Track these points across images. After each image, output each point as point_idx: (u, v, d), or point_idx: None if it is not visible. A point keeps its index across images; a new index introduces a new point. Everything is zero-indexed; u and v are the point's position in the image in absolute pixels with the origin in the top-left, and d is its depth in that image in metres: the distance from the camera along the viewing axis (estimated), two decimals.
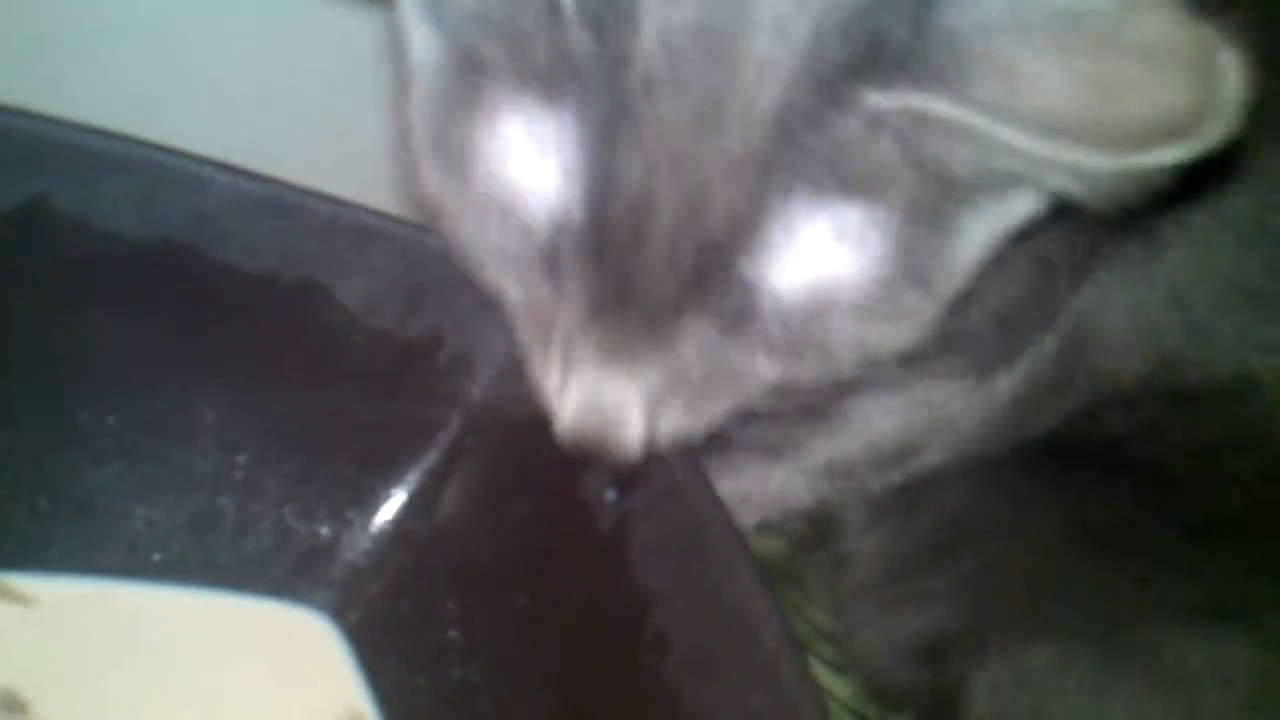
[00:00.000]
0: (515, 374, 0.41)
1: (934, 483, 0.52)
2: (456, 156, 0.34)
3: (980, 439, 0.51)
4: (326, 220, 0.45)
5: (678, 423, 0.37)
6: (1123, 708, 0.47)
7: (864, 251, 0.33)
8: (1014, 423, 0.50)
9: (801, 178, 0.32)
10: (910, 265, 0.34)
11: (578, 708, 0.41)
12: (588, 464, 0.42)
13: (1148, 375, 0.50)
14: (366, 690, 0.46)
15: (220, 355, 0.46)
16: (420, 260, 0.45)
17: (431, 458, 0.48)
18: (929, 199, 0.33)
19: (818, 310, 0.34)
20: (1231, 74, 0.30)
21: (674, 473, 0.41)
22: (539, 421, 0.41)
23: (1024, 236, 0.45)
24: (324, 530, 0.48)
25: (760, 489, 0.51)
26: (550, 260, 0.34)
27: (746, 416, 0.38)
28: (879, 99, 0.31)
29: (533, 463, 0.45)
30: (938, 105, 0.30)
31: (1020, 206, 0.35)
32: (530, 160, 0.33)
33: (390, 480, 0.48)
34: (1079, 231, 0.47)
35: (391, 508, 0.48)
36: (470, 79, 0.33)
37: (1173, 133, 0.29)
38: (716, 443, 0.38)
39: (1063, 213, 0.46)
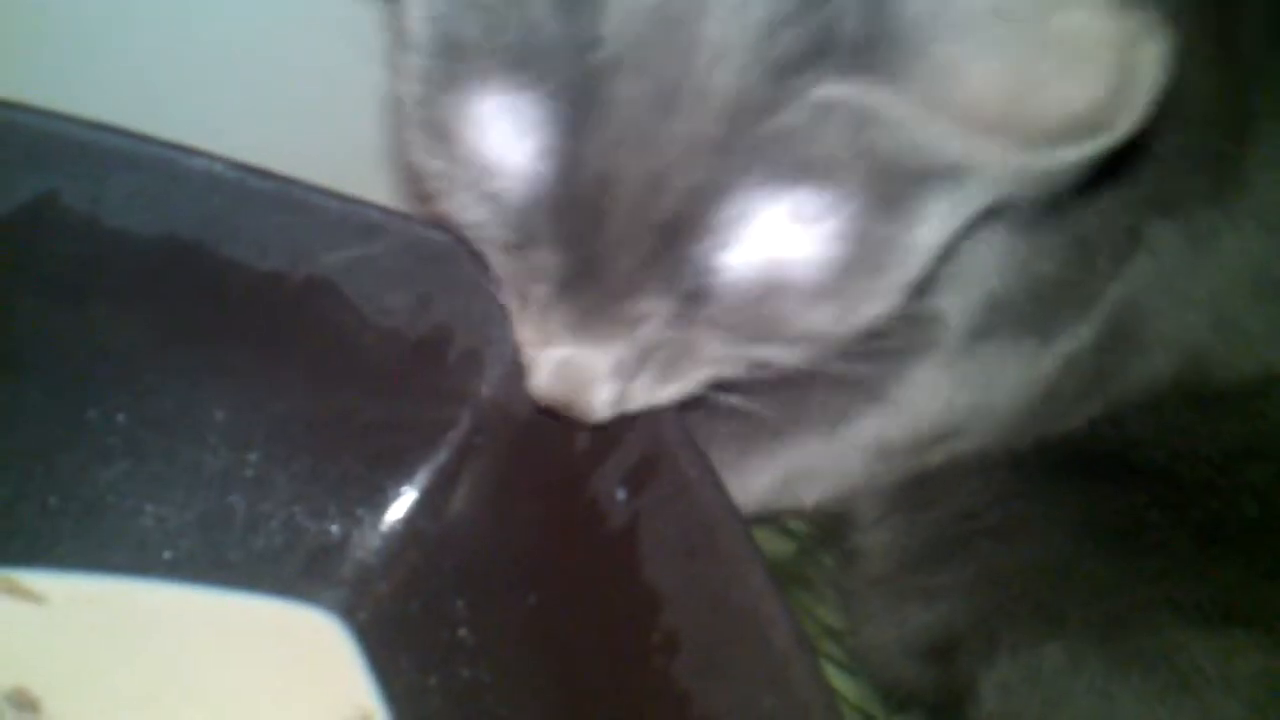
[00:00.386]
0: (525, 372, 0.41)
1: (948, 479, 0.52)
2: (441, 132, 0.35)
3: (1013, 429, 0.50)
4: (336, 218, 0.45)
5: (651, 392, 0.39)
6: (1132, 709, 0.46)
7: (817, 236, 0.34)
8: (1042, 419, 0.50)
9: (755, 162, 0.32)
10: (865, 251, 0.34)
11: (587, 708, 0.41)
12: (598, 463, 0.42)
13: (1176, 375, 0.50)
14: (376, 689, 0.46)
15: (229, 353, 0.46)
16: (430, 258, 0.45)
17: (441, 456, 0.48)
18: (881, 186, 0.34)
19: (771, 292, 0.35)
20: (1148, 66, 0.30)
21: (685, 472, 0.41)
22: (549, 420, 0.41)
23: (1059, 212, 0.45)
24: (334, 529, 0.48)
25: (818, 467, 0.51)
26: (524, 235, 0.35)
27: (790, 388, 0.39)
28: (826, 88, 0.31)
29: (543, 461, 0.45)
30: (876, 98, 0.31)
31: (979, 193, 0.35)
32: (504, 137, 0.34)
33: (400, 479, 0.48)
34: (1121, 211, 0.47)
35: (402, 506, 0.48)
36: (450, 56, 0.34)
37: (1085, 128, 0.30)
38: (773, 419, 0.39)
39: (1099, 190, 0.46)
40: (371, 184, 0.47)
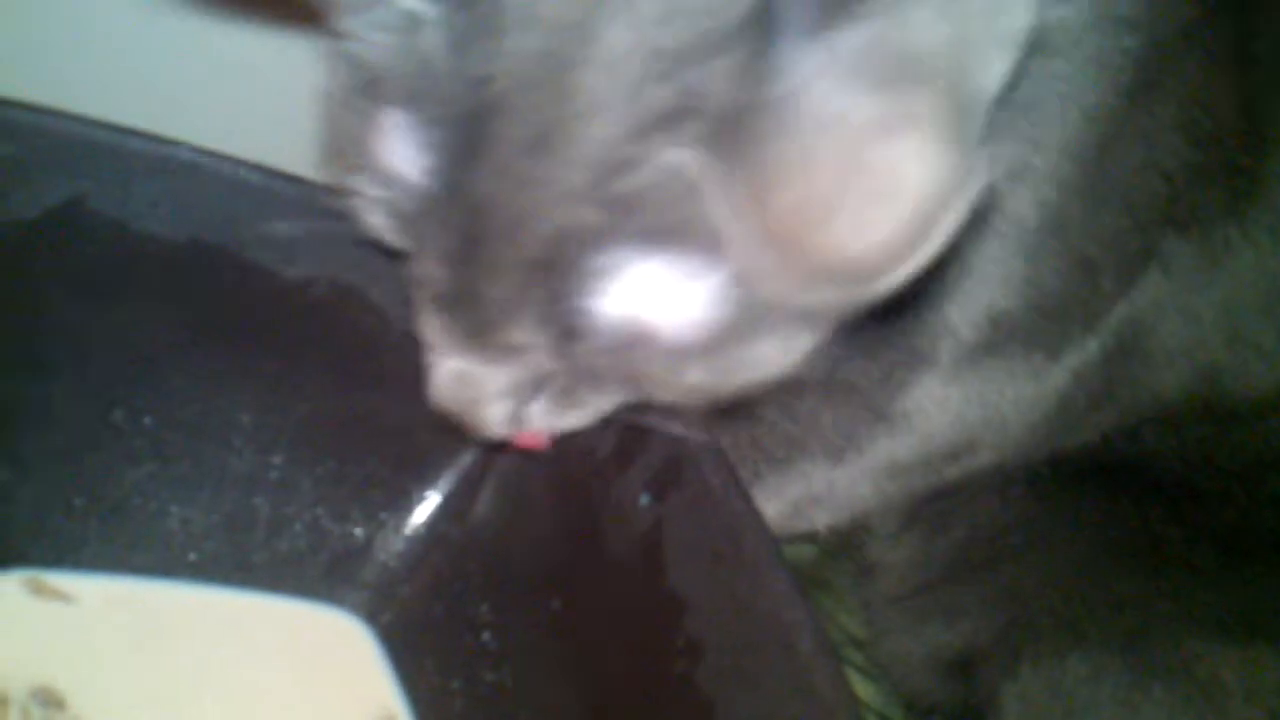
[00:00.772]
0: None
1: (964, 496, 0.52)
2: (351, 135, 0.35)
3: (1026, 443, 0.50)
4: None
5: (550, 416, 0.38)
6: (1156, 717, 0.46)
7: (687, 298, 0.33)
8: (1056, 432, 0.50)
9: (621, 218, 0.32)
10: (741, 318, 0.33)
11: (610, 713, 0.41)
12: (622, 468, 0.43)
13: (1188, 390, 0.49)
14: (400, 692, 0.46)
15: (254, 356, 0.47)
16: None
17: (465, 460, 0.48)
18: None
19: (642, 344, 0.34)
20: (952, 213, 0.29)
21: (708, 479, 0.41)
22: None
23: (1057, 232, 0.45)
24: (358, 531, 0.48)
25: (829, 493, 0.51)
26: (415, 245, 0.36)
27: (796, 415, 0.38)
28: (675, 153, 0.31)
29: (566, 466, 0.45)
30: (708, 174, 0.30)
31: None
32: (402, 151, 0.34)
33: (424, 482, 0.48)
34: (1131, 231, 0.46)
35: (425, 510, 0.48)
36: (364, 70, 0.34)
37: (872, 268, 0.30)
38: (781, 450, 0.38)
39: (1105, 212, 0.46)
40: None
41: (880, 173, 0.29)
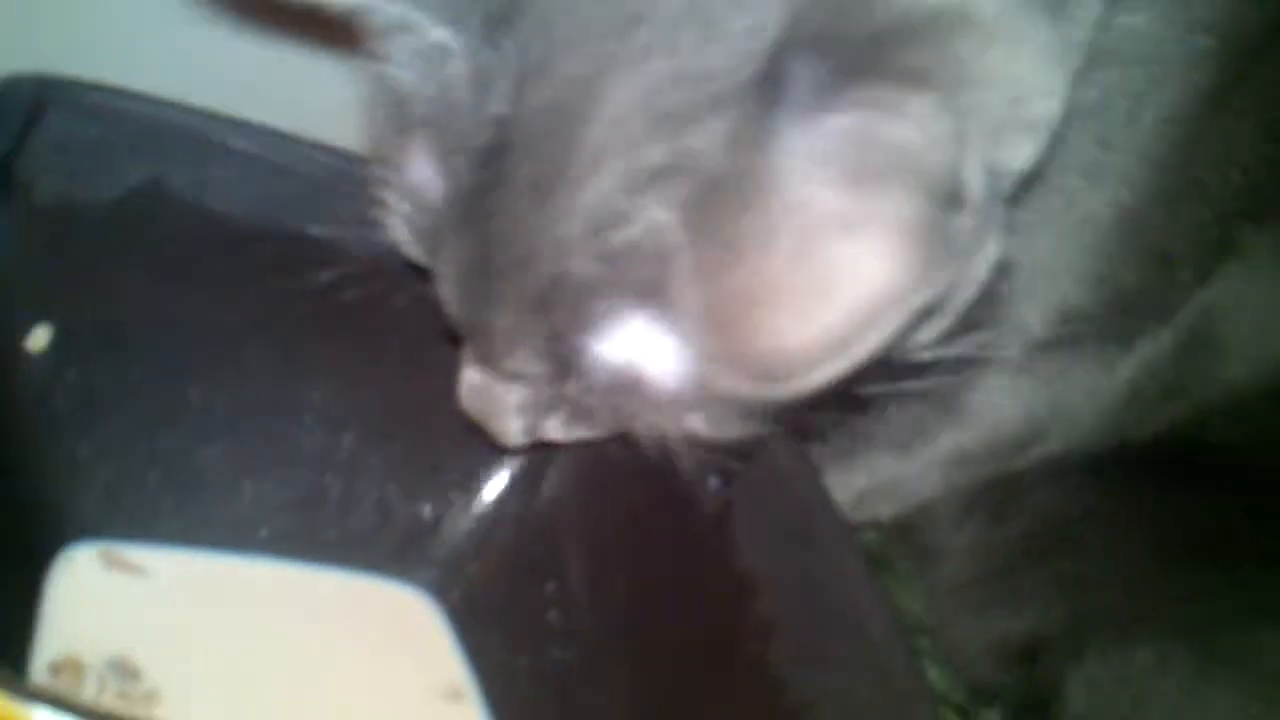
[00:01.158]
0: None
1: (1024, 485, 0.52)
2: (385, 149, 0.36)
3: (1096, 434, 0.50)
4: None
5: (565, 430, 0.39)
6: (1223, 707, 0.46)
7: (660, 353, 0.33)
8: (1125, 422, 0.50)
9: (614, 269, 0.32)
10: None
11: (678, 693, 0.41)
12: (692, 449, 0.43)
13: (1260, 381, 0.49)
14: (467, 668, 0.47)
15: (327, 336, 0.47)
16: None
17: None
18: None
19: (638, 388, 0.34)
20: (895, 317, 0.29)
21: (780, 460, 0.41)
22: None
23: (1133, 230, 0.45)
24: (427, 510, 0.49)
25: (895, 484, 0.51)
26: (432, 264, 0.37)
27: (863, 409, 0.38)
28: (662, 213, 0.31)
29: (635, 446, 0.45)
30: (669, 242, 0.30)
31: None
32: (426, 173, 0.35)
33: (492, 462, 0.49)
34: (1208, 224, 0.46)
35: (494, 489, 0.49)
36: (397, 97, 0.35)
37: (796, 367, 0.29)
38: (848, 440, 0.39)
39: (1182, 207, 0.46)
40: None
41: (830, 267, 0.28)
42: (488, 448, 0.48)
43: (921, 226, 0.28)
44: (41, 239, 0.45)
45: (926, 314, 0.31)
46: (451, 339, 0.39)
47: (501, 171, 0.32)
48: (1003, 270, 0.35)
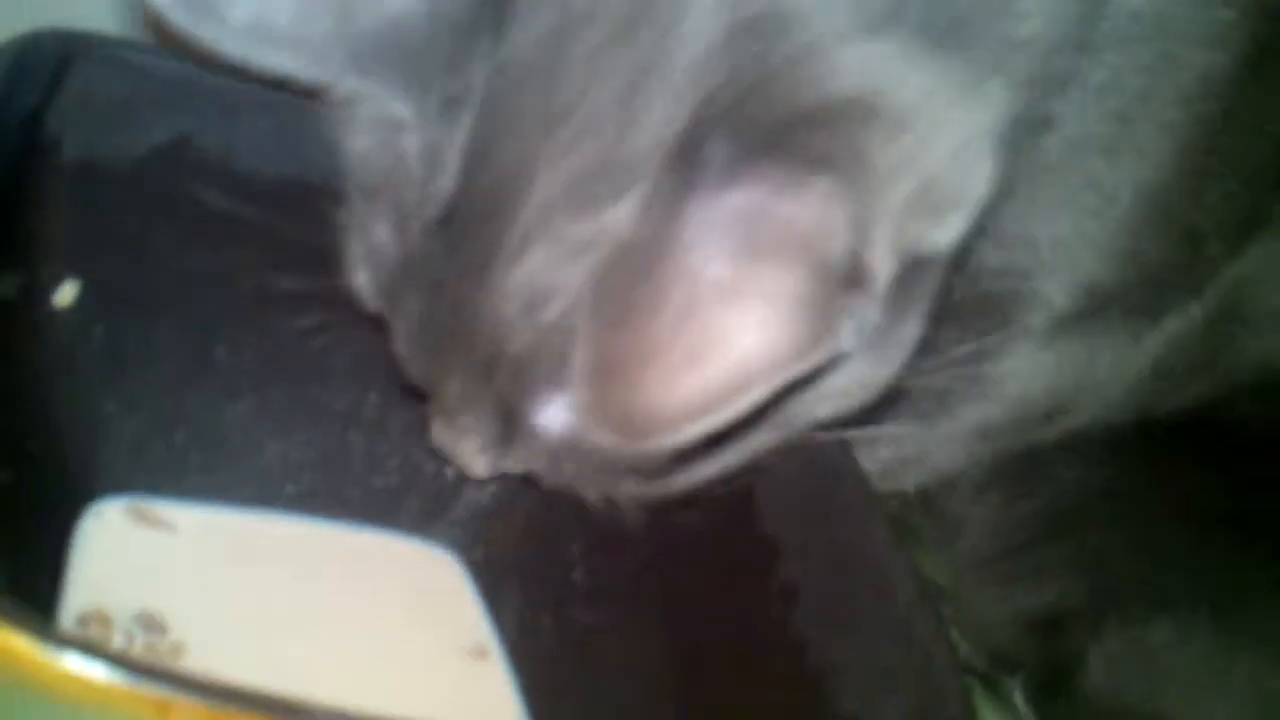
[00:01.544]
0: None
1: (1044, 459, 0.51)
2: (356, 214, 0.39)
3: (1119, 407, 0.50)
4: None
5: (530, 468, 0.40)
6: (1243, 680, 0.46)
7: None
8: (1151, 396, 0.50)
9: (544, 344, 0.34)
10: None
11: (702, 654, 0.41)
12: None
13: None
14: (491, 627, 0.47)
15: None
16: None
17: None
18: None
19: (579, 452, 0.36)
20: (765, 387, 0.30)
21: None
22: None
23: (1158, 206, 0.45)
24: (450, 470, 0.49)
25: (919, 455, 0.51)
26: (388, 318, 0.39)
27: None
28: (580, 282, 0.32)
29: None
30: (587, 301, 0.32)
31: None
32: (383, 231, 0.37)
33: None
34: (1237, 197, 0.46)
35: None
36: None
37: (661, 425, 0.30)
38: (871, 414, 0.39)
39: (1210, 181, 0.45)
40: None
41: (708, 332, 0.29)
42: None
43: (805, 302, 0.29)
44: (68, 195, 0.45)
45: (806, 384, 0.33)
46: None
47: (448, 244, 0.34)
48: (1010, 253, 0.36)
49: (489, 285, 0.33)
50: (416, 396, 0.40)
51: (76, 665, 0.26)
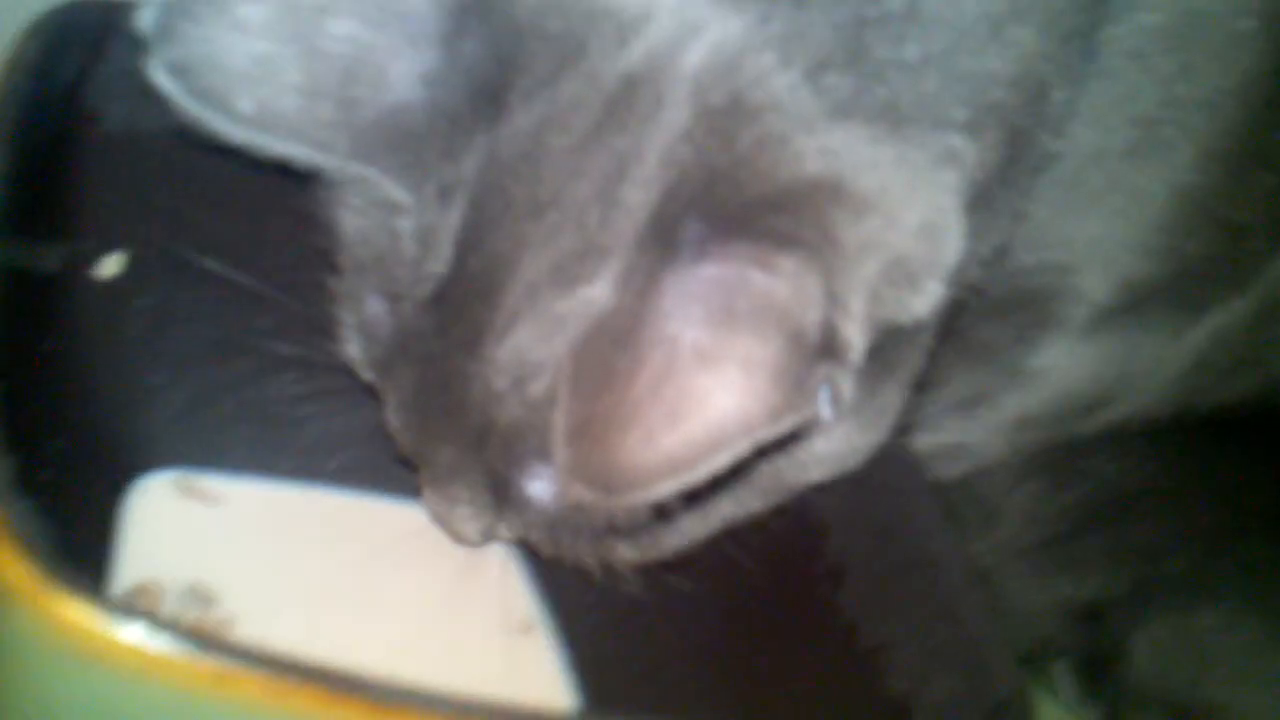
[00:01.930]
0: None
1: (1086, 450, 0.51)
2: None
3: (1161, 400, 0.50)
4: None
5: (526, 534, 0.41)
6: None
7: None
8: (1194, 389, 0.50)
9: (535, 416, 0.35)
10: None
11: (750, 632, 0.42)
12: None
13: None
14: (539, 602, 0.47)
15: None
16: None
17: None
18: None
19: (569, 524, 0.38)
20: (740, 446, 0.30)
21: None
22: None
23: (1197, 205, 0.45)
24: None
25: (959, 445, 0.51)
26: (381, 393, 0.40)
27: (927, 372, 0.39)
28: (564, 353, 0.33)
29: None
30: (566, 369, 0.32)
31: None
32: (376, 306, 0.38)
33: None
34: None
35: None
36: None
37: (635, 482, 0.31)
38: (914, 404, 0.39)
39: (1251, 177, 0.45)
40: None
41: (683, 395, 0.30)
42: None
43: (780, 370, 0.29)
44: (110, 166, 0.45)
45: (784, 446, 0.34)
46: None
47: (440, 321, 0.36)
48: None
49: (480, 359, 0.35)
50: (409, 466, 0.41)
51: (135, 636, 0.26)
